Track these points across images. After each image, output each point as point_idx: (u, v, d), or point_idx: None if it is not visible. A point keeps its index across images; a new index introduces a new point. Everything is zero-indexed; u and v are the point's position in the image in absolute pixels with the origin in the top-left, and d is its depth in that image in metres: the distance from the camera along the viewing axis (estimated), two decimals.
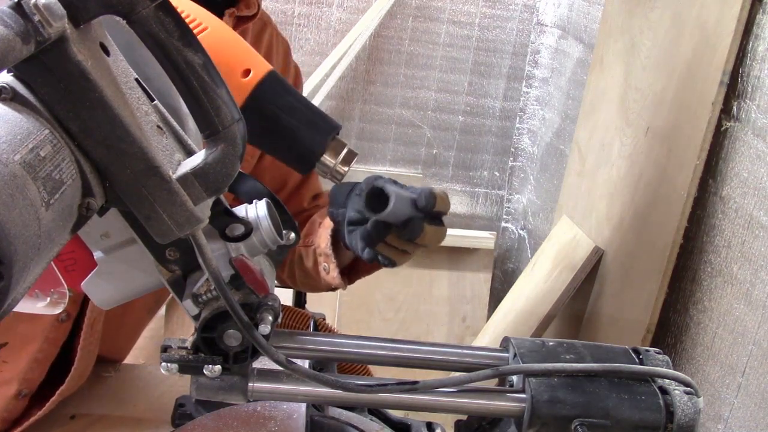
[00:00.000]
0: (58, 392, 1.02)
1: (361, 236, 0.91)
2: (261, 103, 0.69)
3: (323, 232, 1.07)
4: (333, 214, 0.98)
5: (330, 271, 1.07)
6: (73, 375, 1.03)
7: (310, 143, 0.71)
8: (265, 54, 1.17)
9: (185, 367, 0.60)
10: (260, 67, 0.69)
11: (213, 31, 0.68)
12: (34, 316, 0.97)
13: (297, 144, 0.71)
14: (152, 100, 0.57)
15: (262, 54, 0.74)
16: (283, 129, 0.70)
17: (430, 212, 0.87)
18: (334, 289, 1.15)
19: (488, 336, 1.96)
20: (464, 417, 0.76)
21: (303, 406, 0.79)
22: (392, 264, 0.94)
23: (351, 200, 0.95)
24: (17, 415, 1.03)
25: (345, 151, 0.72)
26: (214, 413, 0.80)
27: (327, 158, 0.72)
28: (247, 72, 0.68)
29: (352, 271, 1.11)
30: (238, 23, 1.08)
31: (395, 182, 0.89)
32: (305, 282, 1.19)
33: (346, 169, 0.73)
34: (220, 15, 1.04)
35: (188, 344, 0.60)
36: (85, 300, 1.03)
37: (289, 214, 0.67)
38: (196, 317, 0.59)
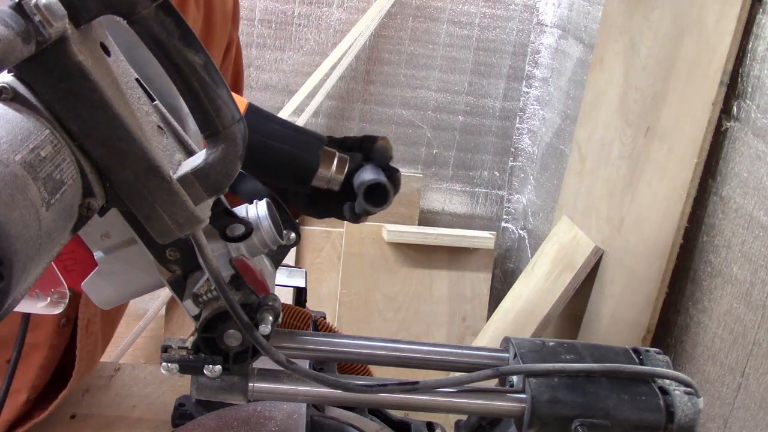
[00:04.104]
0: (61, 395, 1.02)
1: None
2: (248, 135, 0.71)
3: None
4: None
5: None
6: (74, 378, 1.03)
7: (305, 161, 0.75)
8: None
9: (185, 367, 0.60)
10: (239, 102, 0.71)
11: None
12: (37, 325, 0.97)
13: (292, 166, 0.75)
14: (152, 100, 0.57)
15: None
16: (275, 155, 0.74)
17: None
18: None
19: (488, 336, 1.96)
20: (464, 417, 0.76)
21: (303, 406, 0.79)
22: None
23: None
24: (19, 418, 1.03)
25: (336, 159, 0.76)
26: (214, 413, 0.80)
27: (322, 171, 0.76)
28: None
29: None
30: None
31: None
32: None
33: (341, 176, 0.77)
34: None
35: (188, 344, 0.60)
36: (78, 302, 1.02)
37: (289, 214, 0.66)
38: (196, 317, 0.59)
